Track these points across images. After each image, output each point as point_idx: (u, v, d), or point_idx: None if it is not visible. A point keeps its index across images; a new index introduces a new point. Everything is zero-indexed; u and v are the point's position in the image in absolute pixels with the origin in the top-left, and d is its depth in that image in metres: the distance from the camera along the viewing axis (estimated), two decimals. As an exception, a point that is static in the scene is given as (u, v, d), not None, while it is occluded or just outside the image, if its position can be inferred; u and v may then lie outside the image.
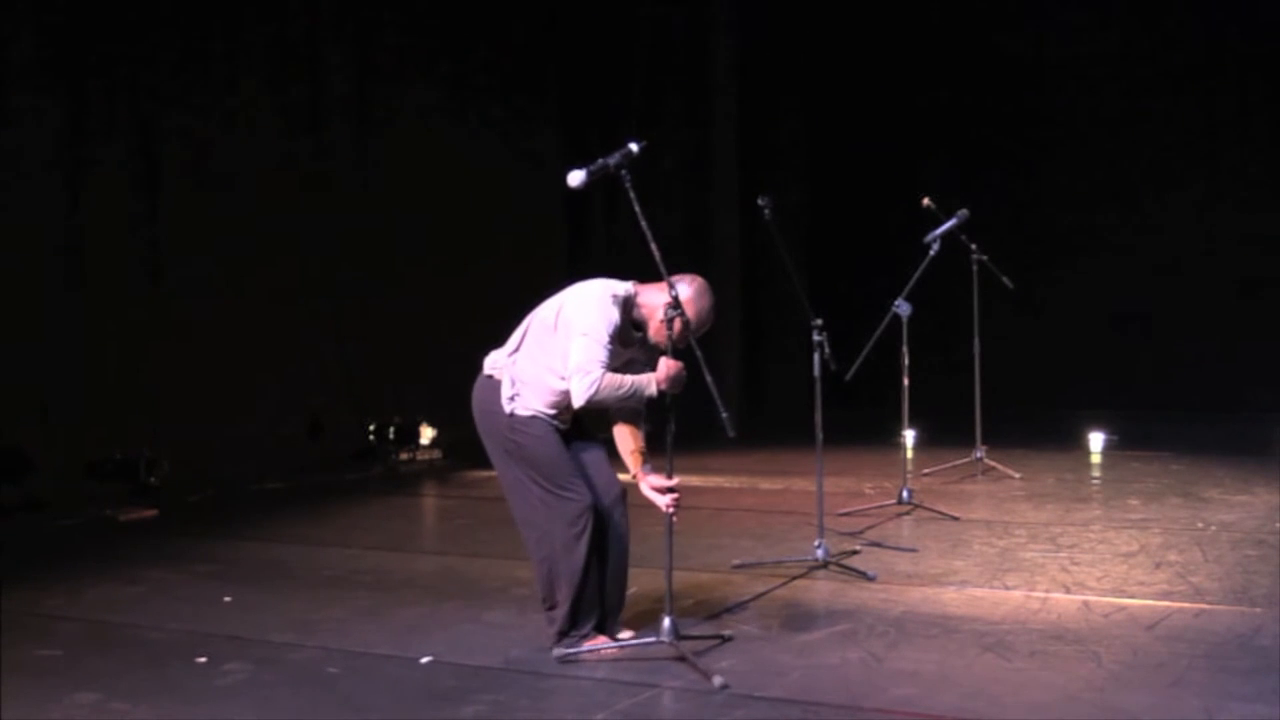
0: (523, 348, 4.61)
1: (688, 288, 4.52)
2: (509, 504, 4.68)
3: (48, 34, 8.61)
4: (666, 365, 4.43)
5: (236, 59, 9.75)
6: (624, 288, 4.55)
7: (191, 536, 7.29)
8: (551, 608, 4.60)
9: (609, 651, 4.54)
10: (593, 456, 4.72)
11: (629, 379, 4.44)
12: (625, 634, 4.68)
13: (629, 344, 4.58)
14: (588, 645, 4.53)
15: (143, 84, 9.17)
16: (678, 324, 4.42)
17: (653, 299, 4.53)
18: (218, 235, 9.45)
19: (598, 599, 4.58)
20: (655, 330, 4.54)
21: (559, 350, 4.49)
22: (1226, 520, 6.85)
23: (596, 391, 4.38)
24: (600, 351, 4.39)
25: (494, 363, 4.66)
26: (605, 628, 4.62)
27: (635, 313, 4.57)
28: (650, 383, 4.44)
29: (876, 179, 13.12)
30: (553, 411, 4.59)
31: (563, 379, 4.48)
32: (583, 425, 4.77)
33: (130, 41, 9.09)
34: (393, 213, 10.46)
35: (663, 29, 12.92)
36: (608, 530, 4.60)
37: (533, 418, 4.55)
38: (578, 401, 4.42)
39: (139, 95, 9.16)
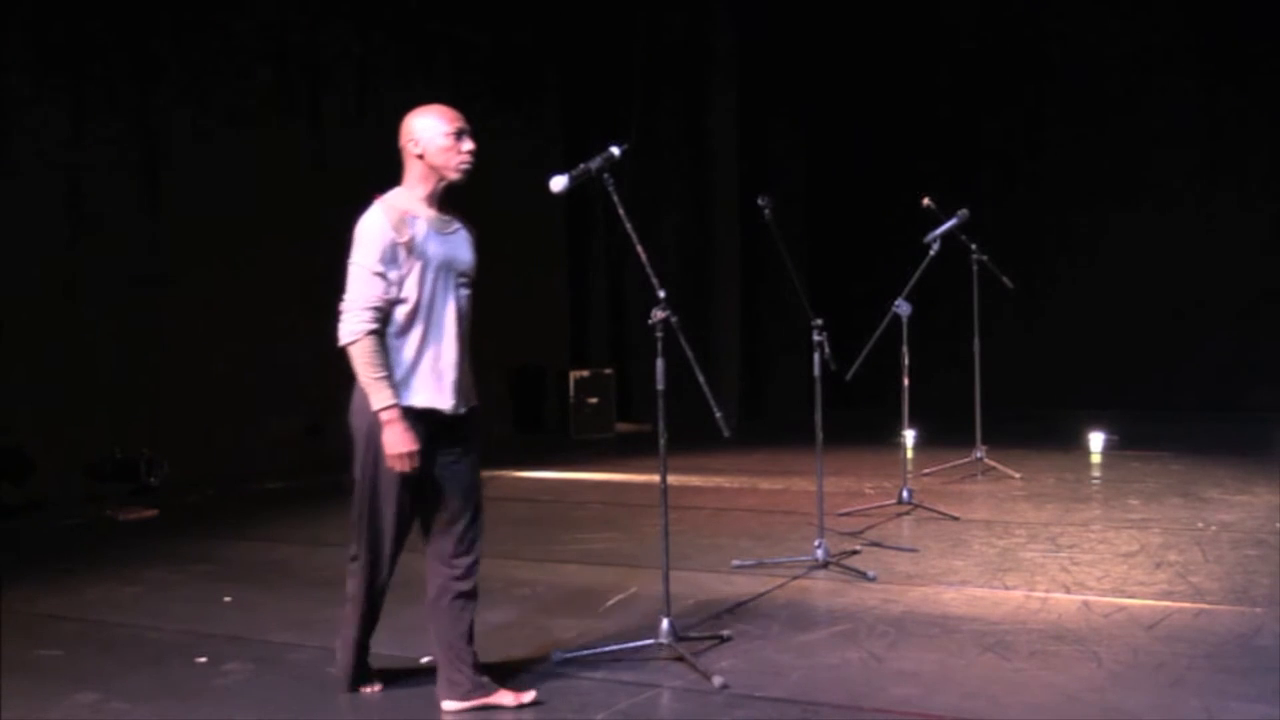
0: None
1: (411, 119, 4.10)
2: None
3: (48, 33, 8.61)
4: (392, 442, 3.88)
5: (237, 60, 9.78)
6: (393, 190, 4.08)
7: (191, 536, 7.29)
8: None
9: (609, 651, 4.54)
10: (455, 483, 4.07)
11: (377, 380, 3.86)
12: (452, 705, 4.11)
13: (449, 225, 4.09)
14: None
15: (143, 86, 9.19)
16: (461, 143, 4.05)
17: (410, 171, 4.07)
18: (217, 235, 9.47)
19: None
20: (444, 166, 4.04)
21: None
22: (1226, 520, 6.85)
23: (353, 347, 3.88)
24: (366, 288, 3.87)
25: None
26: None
27: (424, 193, 4.05)
28: (383, 405, 3.86)
29: (876, 179, 13.12)
30: (415, 395, 3.93)
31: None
32: (469, 430, 4.10)
33: (132, 41, 9.11)
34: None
35: (662, 30, 12.93)
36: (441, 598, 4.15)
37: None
38: (339, 341, 3.92)
39: (140, 95, 9.17)
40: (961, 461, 8.67)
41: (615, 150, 4.49)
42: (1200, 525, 6.73)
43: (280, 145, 10.06)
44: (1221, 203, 12.13)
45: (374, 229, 3.94)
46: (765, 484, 8.69)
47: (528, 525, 7.37)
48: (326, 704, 4.21)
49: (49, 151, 8.63)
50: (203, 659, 4.71)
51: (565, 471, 9.47)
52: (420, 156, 4.05)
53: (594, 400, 11.73)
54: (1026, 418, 11.19)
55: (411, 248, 3.93)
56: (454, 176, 4.08)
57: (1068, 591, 5.38)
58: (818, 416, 6.10)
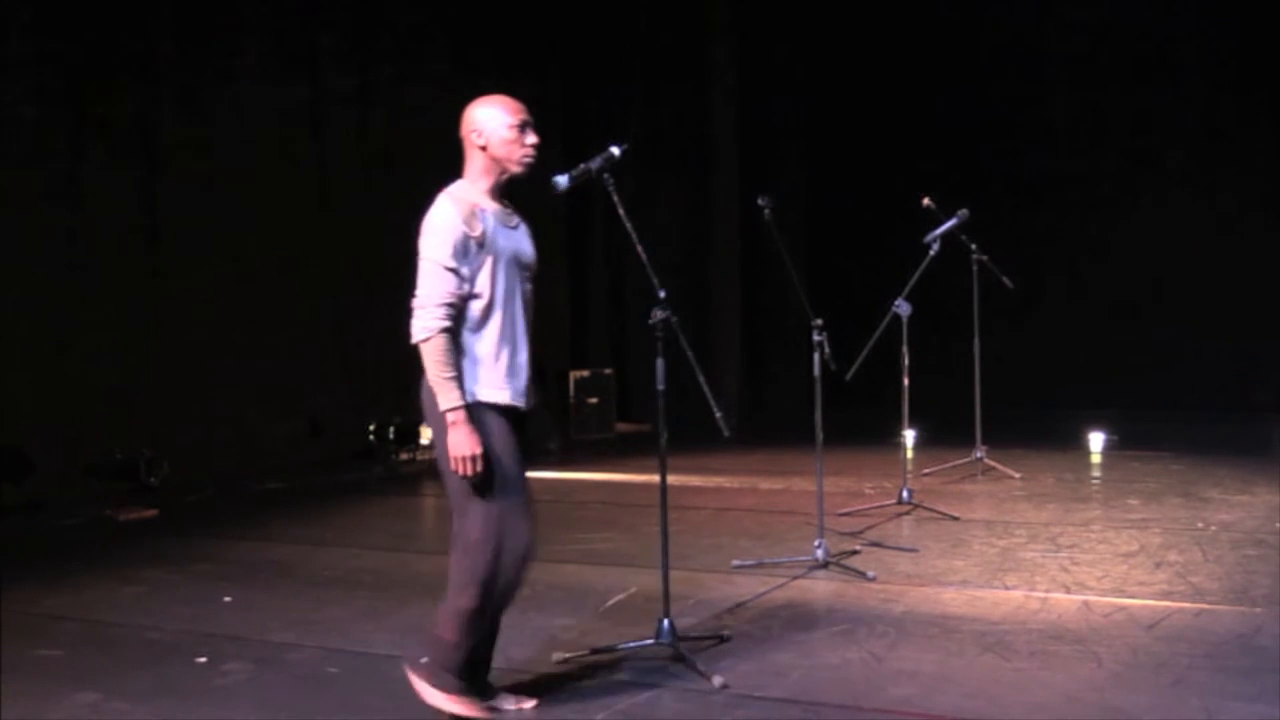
0: None
1: (474, 109, 3.99)
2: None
3: (48, 33, 8.61)
4: (459, 443, 3.74)
5: (235, 52, 9.77)
6: (456, 183, 4.00)
7: (191, 536, 7.29)
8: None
9: (609, 651, 4.54)
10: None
11: (448, 379, 3.77)
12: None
13: (511, 219, 4.04)
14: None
15: (141, 81, 9.18)
16: (525, 135, 3.99)
17: (472, 163, 3.99)
18: (218, 234, 9.47)
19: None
20: (507, 158, 3.98)
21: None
22: (1226, 520, 6.85)
23: (426, 344, 3.78)
24: (439, 283, 3.78)
25: None
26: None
27: (487, 185, 3.98)
28: (450, 406, 3.76)
29: (876, 179, 13.12)
30: (496, 391, 3.86)
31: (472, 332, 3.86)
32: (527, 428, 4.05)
33: (130, 36, 9.10)
34: (393, 210, 10.47)
35: (663, 27, 12.92)
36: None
37: (474, 405, 3.82)
38: (412, 338, 3.83)
39: (138, 92, 9.17)
40: (961, 461, 8.68)
41: (615, 150, 4.49)
42: (1200, 525, 6.73)
43: (281, 145, 10.06)
44: (1222, 203, 12.12)
45: (445, 222, 3.84)
46: (765, 484, 8.69)
47: (528, 525, 7.36)
48: (327, 704, 4.21)
49: (47, 149, 8.62)
50: (203, 659, 4.71)
51: (565, 471, 9.47)
52: (483, 148, 3.98)
53: (594, 400, 11.73)
54: (1026, 418, 11.18)
55: (483, 241, 3.86)
56: (516, 169, 4.03)
57: (1068, 591, 5.38)
58: (818, 416, 6.10)
